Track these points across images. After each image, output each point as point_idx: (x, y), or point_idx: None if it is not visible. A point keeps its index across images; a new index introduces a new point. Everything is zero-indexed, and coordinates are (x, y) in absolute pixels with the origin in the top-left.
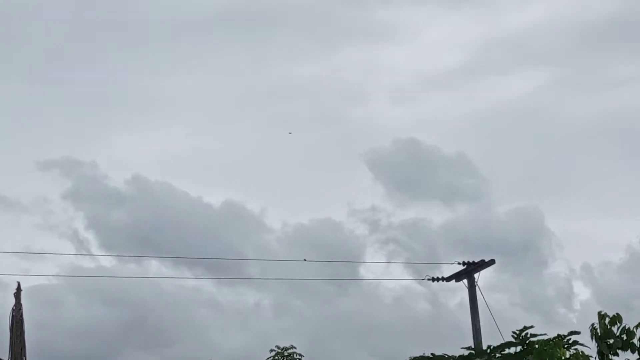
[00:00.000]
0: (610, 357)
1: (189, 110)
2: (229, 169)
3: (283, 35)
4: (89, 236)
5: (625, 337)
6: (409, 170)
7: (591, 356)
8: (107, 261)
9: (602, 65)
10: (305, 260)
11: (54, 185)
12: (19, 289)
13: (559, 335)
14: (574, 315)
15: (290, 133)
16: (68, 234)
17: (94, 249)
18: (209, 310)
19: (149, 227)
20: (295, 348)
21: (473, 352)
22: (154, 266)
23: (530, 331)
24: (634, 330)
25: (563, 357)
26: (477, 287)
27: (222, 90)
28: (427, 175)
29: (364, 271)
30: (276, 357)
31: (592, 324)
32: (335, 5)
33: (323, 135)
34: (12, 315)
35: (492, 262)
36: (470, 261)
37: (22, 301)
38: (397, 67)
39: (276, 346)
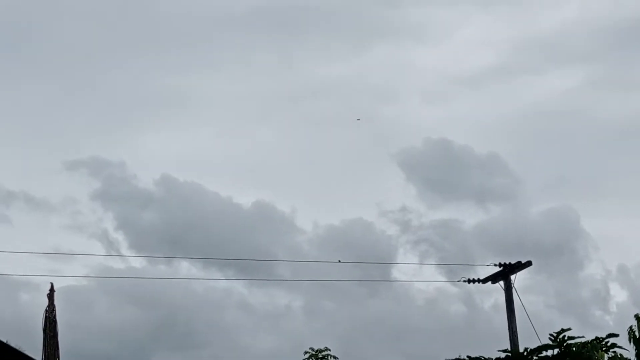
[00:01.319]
0: None
1: (218, 110)
2: (259, 169)
3: (314, 34)
4: (119, 237)
5: None
6: (441, 170)
7: (629, 359)
8: (137, 262)
9: (637, 64)
10: (340, 261)
11: (82, 185)
12: (52, 290)
13: (596, 338)
14: (610, 318)
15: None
16: (97, 234)
17: (124, 250)
18: (240, 311)
19: (179, 227)
20: (329, 350)
21: (510, 354)
22: (184, 267)
23: (567, 334)
24: None
25: None
26: (513, 289)
27: (252, 90)
28: (459, 176)
29: (397, 272)
30: (310, 359)
31: (630, 327)
32: (367, 5)
33: (354, 135)
34: (46, 317)
35: (528, 263)
36: (506, 263)
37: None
38: (428, 67)
39: (310, 348)
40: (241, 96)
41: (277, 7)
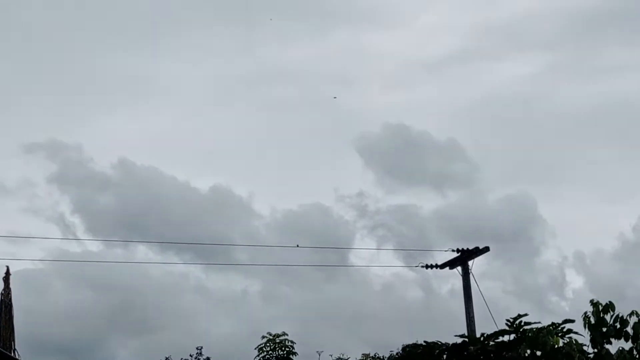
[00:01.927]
0: (603, 345)
1: (177, 94)
2: (217, 153)
3: (274, 18)
4: (75, 220)
5: (618, 326)
6: (399, 156)
7: (585, 344)
8: (93, 246)
9: (597, 51)
10: (298, 246)
11: (39, 168)
12: (7, 273)
13: (553, 324)
14: (566, 304)
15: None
16: (54, 217)
17: (80, 234)
18: (197, 296)
19: (136, 211)
20: (287, 335)
21: (467, 339)
22: (141, 251)
23: (524, 319)
24: (627, 318)
25: (556, 345)
26: (471, 275)
27: (211, 74)
28: (417, 162)
29: (354, 257)
30: (268, 344)
31: (585, 313)
32: None
33: (313, 121)
34: (1, 300)
35: (486, 249)
36: (464, 248)
37: (10, 286)
38: (389, 52)
39: (268, 333)
40: (200, 80)
41: None
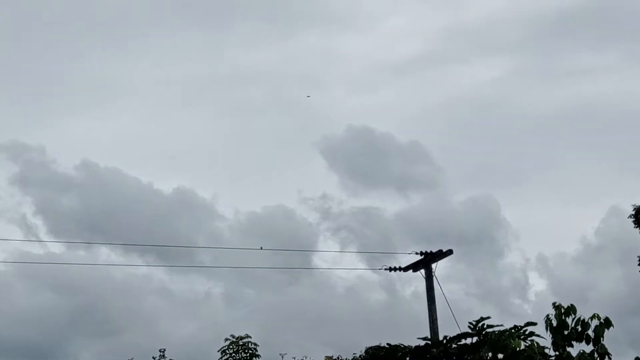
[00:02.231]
0: (565, 348)
1: (142, 96)
2: (181, 155)
3: (241, 20)
4: (38, 222)
5: (580, 329)
6: (363, 158)
7: (546, 347)
8: (56, 247)
9: (562, 55)
10: (262, 248)
11: (1, 170)
12: None
13: (515, 326)
14: (529, 306)
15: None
16: (16, 219)
17: (43, 235)
18: (160, 298)
19: (99, 213)
20: (250, 337)
21: (429, 342)
22: (104, 253)
23: (486, 322)
24: (589, 321)
25: (517, 348)
26: (434, 278)
27: (177, 76)
28: (381, 164)
29: (318, 260)
30: (231, 346)
31: (547, 315)
32: None
33: (278, 123)
34: None
35: (449, 252)
36: (428, 251)
37: None
38: (356, 55)
39: (231, 335)
40: (166, 82)
41: None
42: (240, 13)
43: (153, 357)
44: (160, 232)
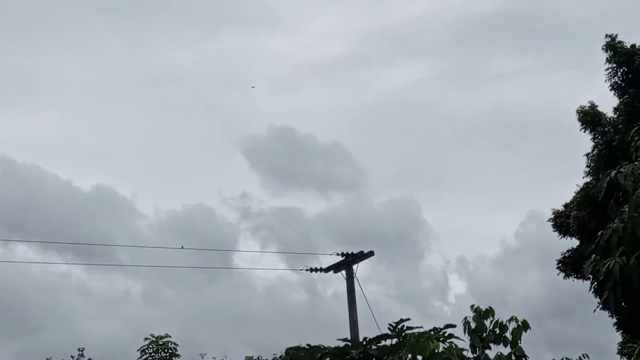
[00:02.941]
0: (482, 350)
1: (62, 93)
2: (100, 152)
3: (163, 19)
4: None
5: (497, 331)
6: (284, 158)
7: (465, 349)
8: None
9: (485, 59)
10: (182, 247)
11: None
12: None
13: (434, 328)
14: (448, 309)
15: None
16: None
17: None
18: (78, 296)
19: (17, 210)
20: (170, 337)
21: (349, 343)
22: (21, 250)
23: (406, 324)
24: (507, 324)
25: (436, 350)
26: (355, 279)
27: (98, 74)
28: (302, 164)
29: (238, 259)
30: (150, 346)
31: (465, 318)
32: None
33: (200, 122)
34: None
35: (371, 253)
36: (349, 252)
37: None
38: (279, 55)
39: (151, 335)
40: (87, 80)
41: None
42: (161, 12)
43: (72, 356)
44: (79, 230)
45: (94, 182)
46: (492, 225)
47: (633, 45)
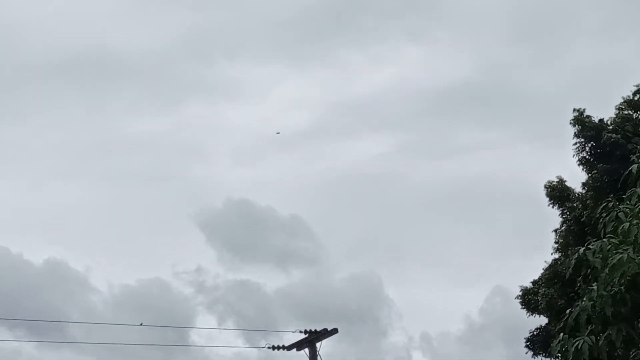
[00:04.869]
0: None
1: (17, 163)
2: (53, 224)
3: (124, 87)
4: None
5: None
6: (242, 232)
7: None
8: None
9: (448, 132)
10: (142, 324)
11: None
12: None
13: None
14: None
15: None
16: None
17: None
18: None
19: None
20: None
21: None
22: None
23: None
24: None
25: None
26: (318, 357)
27: (54, 141)
28: (261, 238)
29: (195, 336)
30: None
31: None
32: (180, 60)
33: (157, 193)
34: None
35: (334, 331)
36: (312, 329)
37: None
38: (241, 126)
39: None
40: (42, 147)
41: (90, 58)
42: (123, 79)
43: None
44: (30, 305)
45: (45, 256)
46: (456, 300)
47: (601, 120)
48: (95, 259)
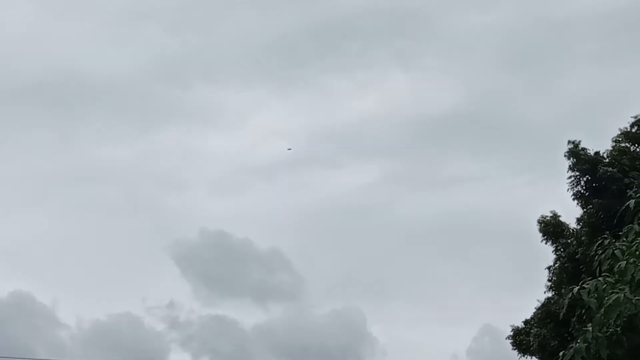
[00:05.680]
0: None
1: None
2: (20, 255)
3: (96, 113)
4: None
5: None
6: (218, 265)
7: None
8: None
9: (436, 162)
10: None
11: None
12: None
13: None
14: None
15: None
16: None
17: None
18: None
19: None
20: None
21: None
22: None
23: None
24: None
25: None
26: None
27: (22, 169)
28: (238, 272)
29: None
30: None
31: None
32: (154, 84)
33: (129, 224)
34: None
35: None
36: None
37: None
38: (219, 155)
39: None
40: (9, 175)
41: (58, 83)
42: (92, 105)
43: None
44: None
45: (11, 288)
46: (443, 339)
47: (597, 153)
48: (63, 292)
